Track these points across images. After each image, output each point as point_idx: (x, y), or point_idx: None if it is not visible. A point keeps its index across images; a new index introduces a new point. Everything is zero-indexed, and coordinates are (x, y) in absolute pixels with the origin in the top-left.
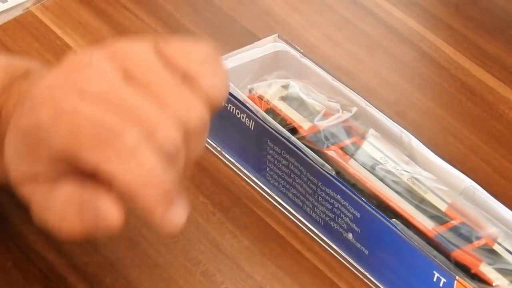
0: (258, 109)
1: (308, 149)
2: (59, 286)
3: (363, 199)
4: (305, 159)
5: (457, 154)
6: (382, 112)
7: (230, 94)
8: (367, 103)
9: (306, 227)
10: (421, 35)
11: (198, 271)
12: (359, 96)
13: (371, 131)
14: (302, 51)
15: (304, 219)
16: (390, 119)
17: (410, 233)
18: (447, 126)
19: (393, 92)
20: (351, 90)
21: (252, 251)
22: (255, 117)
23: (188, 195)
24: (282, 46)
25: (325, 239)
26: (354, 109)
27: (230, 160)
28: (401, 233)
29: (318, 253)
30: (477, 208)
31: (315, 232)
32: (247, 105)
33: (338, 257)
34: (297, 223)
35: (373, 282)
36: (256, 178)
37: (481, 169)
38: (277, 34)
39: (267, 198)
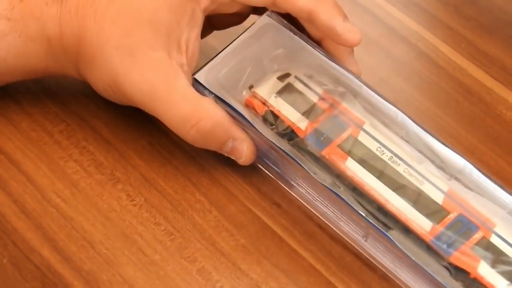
0: (255, 119)
1: (304, 158)
2: (55, 283)
3: (359, 208)
4: (301, 170)
5: None
6: (376, 92)
7: (228, 105)
8: (360, 82)
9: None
10: (420, 35)
11: (194, 269)
12: (350, 75)
13: (367, 120)
14: (292, 27)
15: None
16: (384, 99)
17: (407, 243)
18: (444, 126)
19: (391, 91)
20: (342, 69)
21: (249, 249)
22: (253, 128)
23: (185, 193)
24: (274, 26)
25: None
26: (342, 90)
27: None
28: (398, 245)
29: (314, 252)
30: (473, 192)
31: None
32: (245, 116)
33: (335, 256)
34: (293, 222)
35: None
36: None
37: None
38: (268, 12)
39: (264, 196)
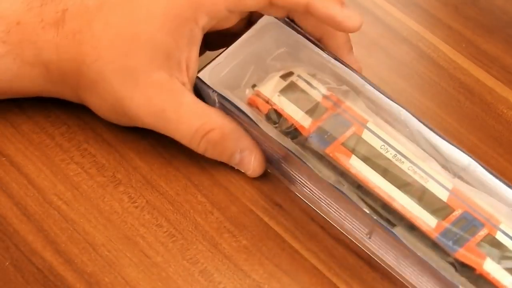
0: (258, 117)
1: (308, 156)
2: (58, 286)
3: (364, 206)
4: (306, 168)
5: None
6: (379, 90)
7: (232, 104)
8: (363, 81)
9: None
10: (420, 35)
11: (196, 271)
12: (353, 73)
13: (370, 118)
14: (294, 26)
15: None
16: (388, 97)
17: (412, 240)
18: (445, 126)
19: (392, 92)
20: (346, 67)
21: (251, 250)
22: (256, 126)
23: (186, 195)
24: (276, 24)
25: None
26: (346, 88)
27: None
28: (404, 241)
29: (317, 253)
30: (478, 190)
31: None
32: (249, 115)
33: (337, 256)
34: (295, 223)
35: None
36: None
37: None
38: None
39: (266, 197)
